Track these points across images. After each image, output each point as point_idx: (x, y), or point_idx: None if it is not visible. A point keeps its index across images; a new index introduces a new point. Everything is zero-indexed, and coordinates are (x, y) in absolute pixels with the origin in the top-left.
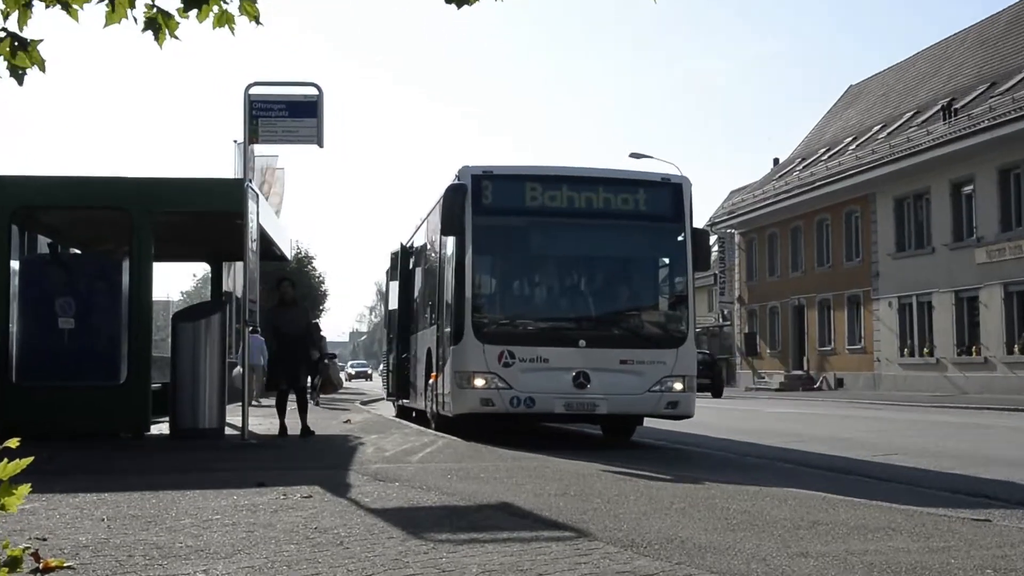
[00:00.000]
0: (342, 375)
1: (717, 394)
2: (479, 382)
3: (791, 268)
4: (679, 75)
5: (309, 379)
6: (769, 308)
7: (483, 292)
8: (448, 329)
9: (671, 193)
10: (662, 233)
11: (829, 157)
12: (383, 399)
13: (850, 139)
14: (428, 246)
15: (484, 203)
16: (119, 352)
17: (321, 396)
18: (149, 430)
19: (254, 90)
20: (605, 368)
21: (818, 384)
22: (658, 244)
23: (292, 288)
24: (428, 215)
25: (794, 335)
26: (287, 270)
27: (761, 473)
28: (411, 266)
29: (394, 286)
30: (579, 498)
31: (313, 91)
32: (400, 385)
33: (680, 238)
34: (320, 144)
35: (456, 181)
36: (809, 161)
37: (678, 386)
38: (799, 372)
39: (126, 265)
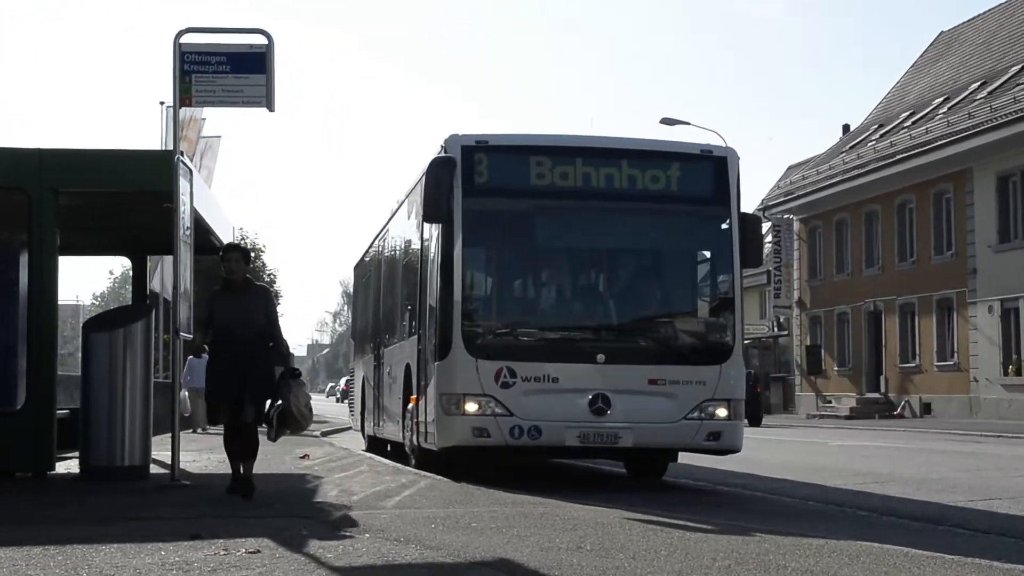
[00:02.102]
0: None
1: (754, 422)
2: (471, 407)
3: (864, 264)
4: (719, 19)
5: (267, 406)
6: (837, 314)
7: (476, 294)
8: (432, 341)
9: (713, 169)
10: (702, 219)
11: (913, 123)
12: (349, 429)
13: (941, 100)
14: (407, 236)
15: (477, 181)
16: (14, 369)
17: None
18: (54, 468)
19: (187, 38)
20: (630, 390)
21: (899, 410)
22: (696, 233)
23: (245, 262)
24: (407, 197)
25: (869, 348)
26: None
27: (827, 523)
28: (384, 262)
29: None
30: (597, 554)
31: (261, 39)
32: (371, 411)
33: (724, 225)
34: (270, 107)
35: (442, 154)
36: (888, 128)
37: (721, 412)
38: (875, 395)
39: (23, 259)
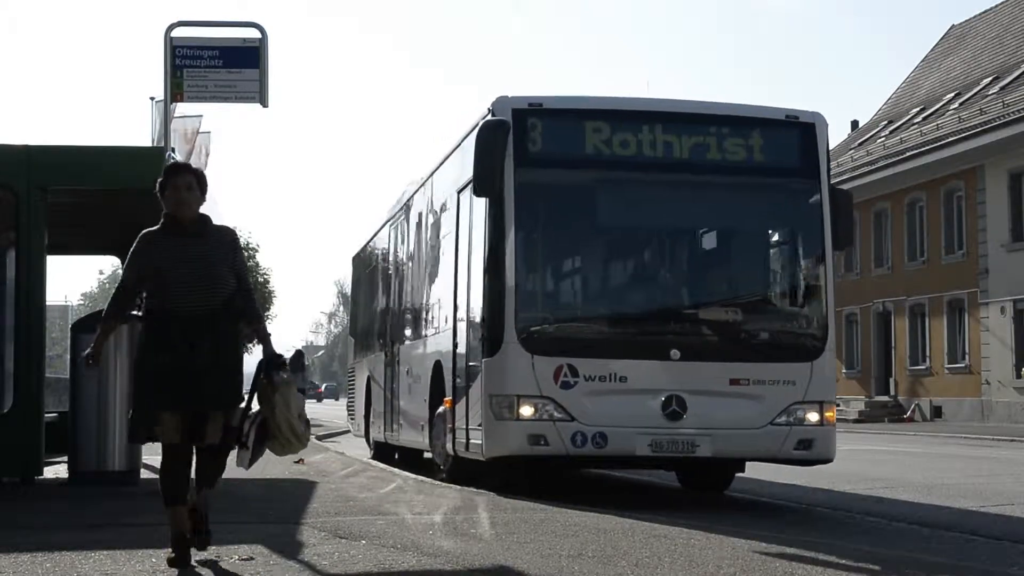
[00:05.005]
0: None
1: None
2: (526, 411)
3: (873, 264)
4: (725, 13)
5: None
6: (845, 315)
7: (531, 280)
8: (477, 334)
9: (800, 136)
10: (788, 194)
11: (924, 119)
12: (346, 432)
13: (952, 95)
14: (435, 216)
15: (531, 150)
16: (1, 372)
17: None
18: (42, 473)
19: (178, 32)
20: (708, 391)
21: (909, 414)
22: (782, 210)
23: (199, 189)
24: (434, 171)
25: (878, 350)
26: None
27: (835, 529)
28: (399, 249)
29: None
30: (599, 561)
31: (255, 34)
32: (379, 414)
33: (813, 201)
34: (264, 103)
35: (490, 117)
36: (898, 125)
37: (812, 417)
38: (884, 398)
39: (11, 258)
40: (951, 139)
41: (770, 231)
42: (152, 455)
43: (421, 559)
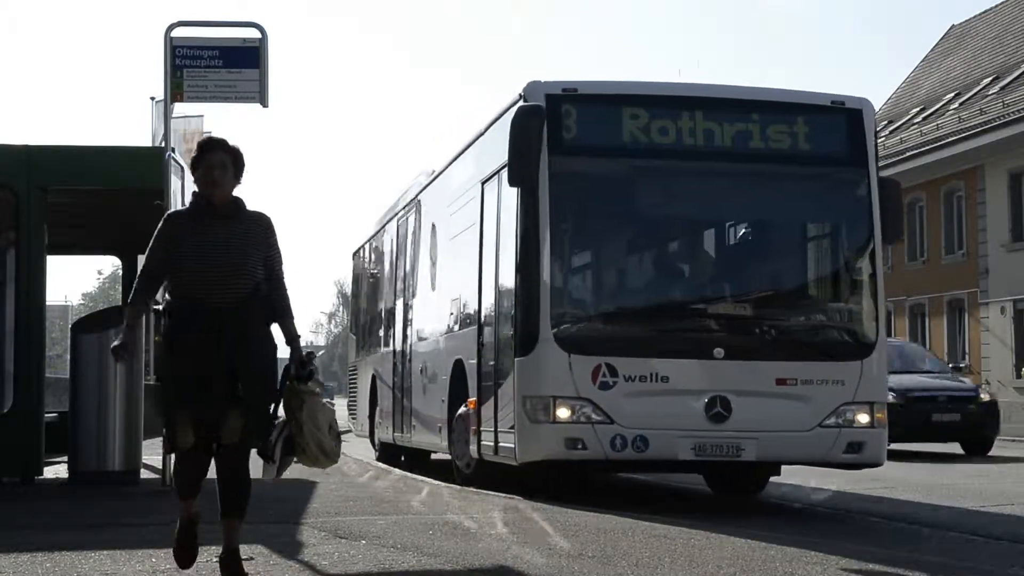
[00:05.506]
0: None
1: None
2: (563, 413)
3: None
4: (725, 11)
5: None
6: None
7: (568, 274)
8: (507, 331)
9: (847, 123)
10: (835, 184)
11: (924, 119)
12: (349, 432)
13: (952, 96)
14: (456, 207)
15: (565, 138)
16: (1, 372)
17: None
18: (42, 473)
19: (178, 32)
20: (754, 391)
21: None
22: (830, 201)
23: (235, 173)
24: (452, 163)
25: None
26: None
27: (835, 529)
28: (410, 243)
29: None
30: (599, 561)
31: (255, 34)
32: (387, 415)
33: (862, 192)
34: (264, 103)
35: (524, 102)
36: (897, 125)
37: (863, 418)
38: None
39: (10, 258)
40: (951, 139)
41: (816, 223)
42: (152, 455)
43: (421, 559)
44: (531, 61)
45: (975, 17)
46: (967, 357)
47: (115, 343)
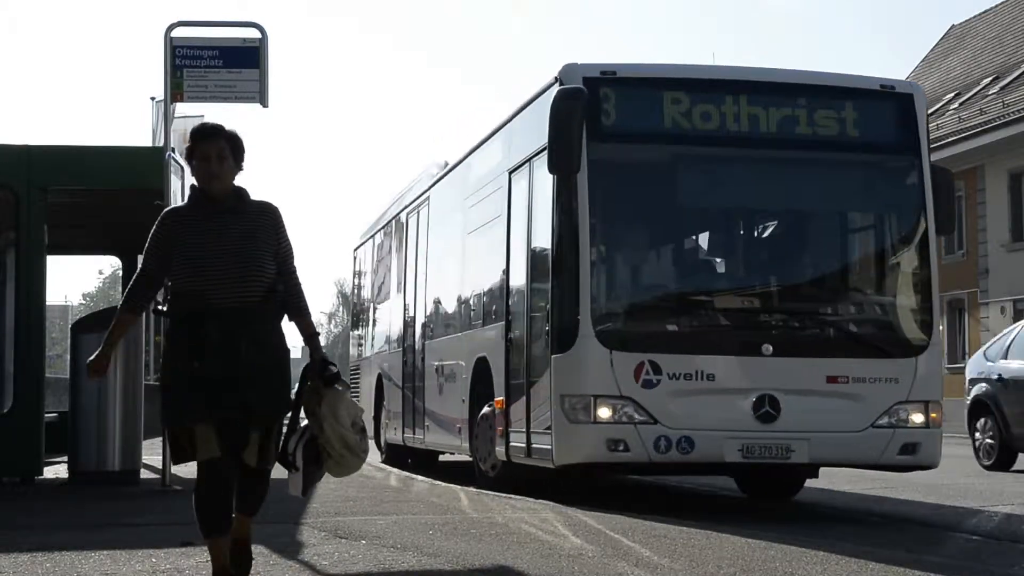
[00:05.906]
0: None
1: None
2: (604, 412)
3: None
4: (724, 12)
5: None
6: None
7: (608, 268)
8: (542, 327)
9: (897, 108)
10: (886, 173)
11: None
12: None
13: (952, 96)
14: (476, 200)
15: (604, 124)
16: (1, 372)
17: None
18: (41, 473)
19: (178, 32)
20: (804, 389)
21: None
22: (881, 190)
23: (236, 160)
24: (472, 152)
25: None
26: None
27: (836, 529)
28: (420, 238)
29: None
30: (600, 560)
31: (255, 34)
32: (396, 415)
33: (913, 180)
34: (264, 103)
35: (560, 85)
36: None
37: (917, 418)
38: None
39: (10, 259)
40: (951, 139)
41: (866, 213)
42: (152, 455)
43: (421, 559)
44: (531, 61)
45: (975, 17)
46: (967, 357)
47: (90, 358)
